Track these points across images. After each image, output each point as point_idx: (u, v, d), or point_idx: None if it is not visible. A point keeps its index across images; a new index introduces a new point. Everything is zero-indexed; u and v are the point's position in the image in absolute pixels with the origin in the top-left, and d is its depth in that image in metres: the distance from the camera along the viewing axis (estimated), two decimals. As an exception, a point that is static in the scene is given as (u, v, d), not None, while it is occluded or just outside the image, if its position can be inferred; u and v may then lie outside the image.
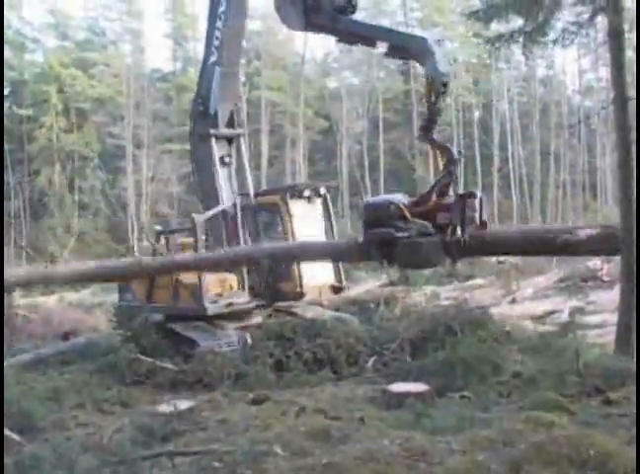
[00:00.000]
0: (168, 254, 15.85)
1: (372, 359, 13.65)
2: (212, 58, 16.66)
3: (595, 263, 24.37)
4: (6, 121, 56.76)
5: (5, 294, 15.29)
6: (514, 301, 21.46)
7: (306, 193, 16.74)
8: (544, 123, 60.36)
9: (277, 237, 16.71)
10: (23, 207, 59.88)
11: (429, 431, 8.26)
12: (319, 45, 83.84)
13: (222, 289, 15.88)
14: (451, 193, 11.41)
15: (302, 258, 14.71)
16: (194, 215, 15.92)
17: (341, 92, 63.35)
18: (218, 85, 16.62)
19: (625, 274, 11.27)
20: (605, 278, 22.91)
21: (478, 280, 25.88)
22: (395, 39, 12.74)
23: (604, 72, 56.36)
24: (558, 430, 7.61)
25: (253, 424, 9.27)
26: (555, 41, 11.87)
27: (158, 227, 19.70)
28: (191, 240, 15.95)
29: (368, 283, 25.35)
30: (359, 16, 13.83)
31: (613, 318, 12.65)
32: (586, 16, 11.63)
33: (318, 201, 17.06)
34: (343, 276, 16.94)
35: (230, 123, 17.15)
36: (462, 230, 10.96)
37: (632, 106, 11.19)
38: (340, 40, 14.24)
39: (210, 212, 16.18)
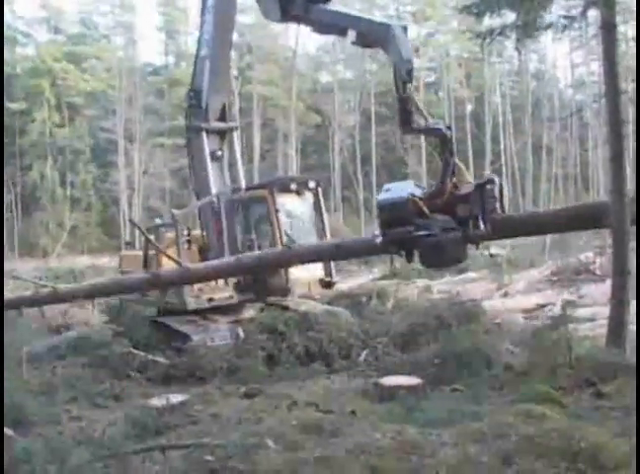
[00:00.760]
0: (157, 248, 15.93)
1: (364, 353, 13.67)
2: (203, 52, 16.63)
3: (587, 256, 24.41)
4: (-3, 116, 56.75)
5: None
6: (506, 295, 21.51)
7: (293, 186, 16.60)
8: (536, 117, 60.47)
9: (265, 230, 16.63)
10: (14, 202, 59.77)
11: (420, 424, 8.27)
12: (311, 39, 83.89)
13: (205, 284, 15.83)
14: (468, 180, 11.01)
15: (337, 257, 14.69)
16: (173, 210, 16.04)
17: (333, 86, 63.33)
18: (209, 78, 16.59)
19: (617, 267, 11.28)
20: (598, 272, 22.95)
21: (470, 274, 25.90)
22: (361, 27, 12.43)
23: (596, 66, 56.55)
24: (549, 422, 7.64)
25: (245, 417, 9.28)
26: (546, 34, 11.87)
27: (158, 220, 19.67)
28: (196, 233, 16.24)
29: (361, 277, 25.39)
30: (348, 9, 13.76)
31: (605, 311, 12.65)
32: (578, 9, 11.62)
33: (308, 195, 16.94)
34: (333, 271, 16.89)
35: (222, 117, 17.11)
36: (484, 221, 10.56)
37: (624, 99, 11.20)
38: (314, 30, 14.02)
39: (190, 207, 16.16)
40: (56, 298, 16.42)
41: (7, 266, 39.59)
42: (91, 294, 16.13)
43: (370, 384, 10.91)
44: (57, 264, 46.63)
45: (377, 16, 65.54)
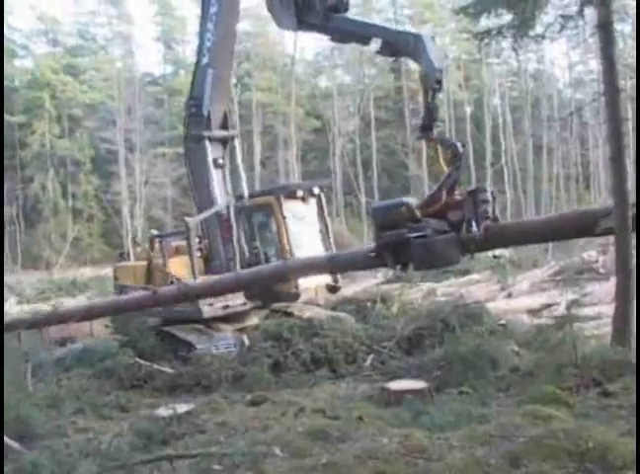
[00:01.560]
0: (162, 258, 15.95)
1: (370, 358, 13.63)
2: (205, 60, 16.61)
3: (590, 254, 24.39)
4: (-3, 129, 56.84)
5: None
6: (510, 296, 21.47)
7: (299, 193, 16.69)
8: (536, 117, 60.41)
9: (270, 238, 16.74)
10: (17, 214, 59.81)
11: (427, 427, 8.27)
12: (309, 45, 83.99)
13: None
14: (457, 190, 11.25)
15: (335, 270, 14.82)
16: (186, 218, 15.83)
17: (332, 91, 63.34)
18: (211, 87, 16.55)
19: (620, 265, 11.27)
20: (601, 271, 22.92)
21: (474, 276, 25.85)
22: (388, 36, 12.68)
23: (594, 64, 56.51)
24: (556, 423, 7.64)
25: (252, 425, 9.28)
26: (543, 37, 11.87)
27: (154, 231, 19.70)
28: (185, 243, 15.92)
29: (365, 282, 25.32)
30: (348, 13, 13.83)
31: (610, 310, 12.64)
32: (574, 8, 11.64)
33: (312, 201, 17.03)
34: (338, 276, 16.92)
35: (223, 125, 17.11)
36: (477, 225, 10.84)
37: (623, 97, 11.20)
38: (332, 39, 14.30)
39: (203, 215, 16.12)
40: (56, 319, 16.25)
41: (11, 278, 39.73)
42: (90, 315, 16.06)
43: (377, 389, 10.91)
44: (60, 275, 46.68)
45: (376, 19, 65.85)
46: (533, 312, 18.59)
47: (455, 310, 14.29)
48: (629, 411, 8.15)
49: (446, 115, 57.18)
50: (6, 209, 57.06)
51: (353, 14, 13.95)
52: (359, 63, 62.85)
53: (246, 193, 17.28)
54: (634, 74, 11.66)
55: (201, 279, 15.29)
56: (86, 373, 13.99)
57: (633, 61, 11.82)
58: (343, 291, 20.11)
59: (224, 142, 17.28)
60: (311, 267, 14.05)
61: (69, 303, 29.15)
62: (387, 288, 22.26)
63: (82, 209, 61.48)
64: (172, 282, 15.20)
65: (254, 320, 15.68)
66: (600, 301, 17.60)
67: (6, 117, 60.29)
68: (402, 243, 11.03)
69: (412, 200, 11.51)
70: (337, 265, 13.79)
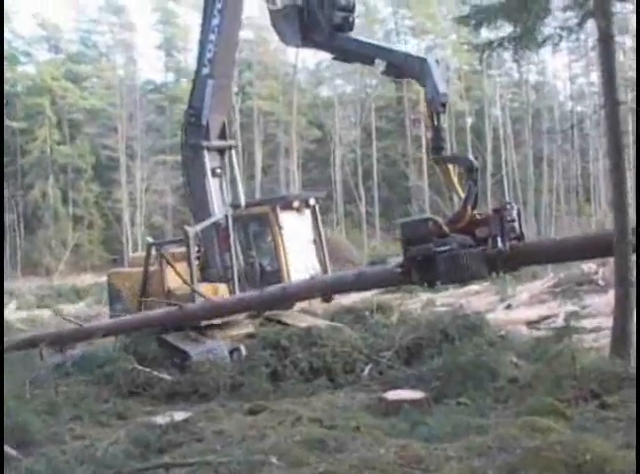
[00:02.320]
0: (159, 265, 16.09)
1: (369, 367, 13.62)
2: (205, 70, 16.67)
3: (590, 266, 24.35)
4: (-1, 134, 56.87)
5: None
6: (509, 307, 21.46)
7: (295, 204, 16.78)
8: (537, 129, 60.46)
9: (266, 248, 16.86)
10: (17, 221, 59.83)
11: (425, 438, 8.25)
12: (311, 54, 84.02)
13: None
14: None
15: (362, 288, 15.14)
16: (186, 227, 15.95)
17: (333, 100, 63.44)
18: (211, 97, 16.63)
19: (619, 277, 11.27)
20: (601, 283, 22.89)
21: (474, 286, 25.82)
22: (394, 59, 13.02)
23: (596, 76, 56.63)
24: (554, 435, 7.61)
25: (249, 434, 9.24)
26: (544, 43, 11.89)
27: (149, 239, 19.82)
28: (182, 250, 16.04)
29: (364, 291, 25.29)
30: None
31: (609, 322, 12.65)
32: (575, 21, 11.66)
33: (307, 212, 17.08)
34: None
35: (222, 135, 17.19)
36: (503, 241, 10.99)
37: (623, 110, 11.22)
38: (336, 58, 14.72)
39: (203, 224, 16.20)
40: (81, 335, 16.41)
41: (11, 284, 39.75)
42: (116, 330, 16.08)
43: (375, 399, 10.88)
44: (60, 282, 46.70)
45: (378, 30, 66.04)
46: (533, 323, 18.58)
47: (455, 321, 14.29)
48: (627, 423, 8.13)
49: (447, 125, 57.15)
50: (6, 216, 57.12)
51: (355, 25, 14.11)
52: (360, 73, 62.91)
53: (243, 202, 17.34)
54: (634, 86, 11.66)
55: (224, 296, 15.63)
56: (84, 380, 13.98)
57: (634, 74, 11.80)
58: (342, 301, 20.18)
59: (222, 152, 17.38)
60: (339, 284, 14.26)
61: (69, 309, 29.26)
62: (387, 298, 22.30)
63: (82, 216, 61.48)
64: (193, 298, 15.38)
65: (248, 328, 15.73)
66: (598, 313, 17.59)
67: (7, 122, 60.38)
68: (429, 257, 11.18)
69: (436, 217, 11.85)
70: (364, 281, 13.87)
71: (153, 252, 16.58)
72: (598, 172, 59.11)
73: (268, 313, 16.00)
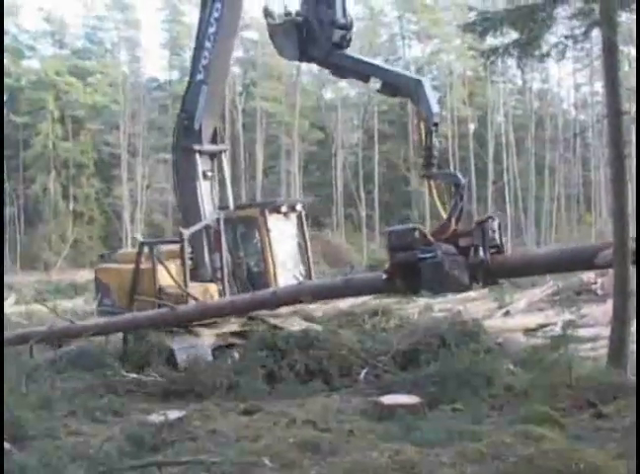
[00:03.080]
0: (152, 265, 16.29)
1: (365, 371, 13.61)
2: (199, 76, 17.01)
3: (589, 276, 24.34)
4: (3, 128, 56.85)
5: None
6: (507, 314, 21.41)
7: (284, 208, 17.20)
8: (539, 137, 60.48)
9: (253, 249, 17.32)
10: (17, 214, 59.83)
11: (419, 443, 8.24)
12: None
13: (204, 299, 16.12)
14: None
15: (350, 294, 15.67)
16: (181, 229, 16.32)
17: (336, 103, 63.45)
18: (204, 102, 16.95)
19: (618, 287, 11.27)
20: (599, 292, 22.88)
21: (472, 293, 25.78)
22: (390, 79, 13.76)
23: (600, 86, 56.63)
24: (548, 443, 7.61)
25: (243, 434, 9.24)
26: (548, 54, 11.89)
27: (139, 237, 20.23)
28: (171, 249, 16.55)
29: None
30: (355, 27, 14.38)
31: (606, 332, 12.64)
32: (581, 30, 11.65)
33: (293, 217, 17.53)
34: None
35: (213, 139, 17.54)
36: (484, 251, 11.64)
37: (626, 120, 11.21)
38: (332, 73, 15.35)
39: (198, 225, 16.56)
40: (72, 333, 16.58)
41: (10, 278, 39.71)
42: (107, 330, 16.28)
43: (370, 403, 10.87)
44: (59, 277, 46.64)
45: (383, 34, 66.08)
46: (530, 331, 18.55)
47: (452, 327, 14.30)
48: (622, 434, 8.13)
49: (450, 131, 57.23)
50: (7, 209, 57.12)
51: (360, 28, 14.59)
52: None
53: (232, 204, 17.85)
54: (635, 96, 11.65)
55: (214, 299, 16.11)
56: (80, 376, 13.99)
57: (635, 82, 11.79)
58: (339, 304, 20.31)
59: (213, 156, 17.78)
60: (328, 289, 15.11)
61: (66, 305, 29.22)
62: (385, 303, 22.25)
63: (82, 212, 61.46)
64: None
65: (233, 326, 15.90)
66: (596, 323, 17.56)
67: (11, 117, 60.45)
68: (413, 264, 11.75)
69: (421, 227, 12.60)
70: (352, 288, 14.53)
71: (145, 250, 16.81)
72: (599, 181, 59.14)
73: (252, 313, 16.23)
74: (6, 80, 60.82)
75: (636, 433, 7.34)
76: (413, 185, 60.26)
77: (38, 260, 56.62)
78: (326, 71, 16.80)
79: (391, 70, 14.91)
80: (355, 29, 14.63)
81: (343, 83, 67.98)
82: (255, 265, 17.28)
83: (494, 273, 12.16)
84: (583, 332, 16.10)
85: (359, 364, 13.82)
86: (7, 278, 37.10)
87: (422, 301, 23.62)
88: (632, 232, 10.89)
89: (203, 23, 16.95)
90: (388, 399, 10.57)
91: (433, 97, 12.87)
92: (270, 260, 16.70)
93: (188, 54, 70.35)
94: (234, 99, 60.81)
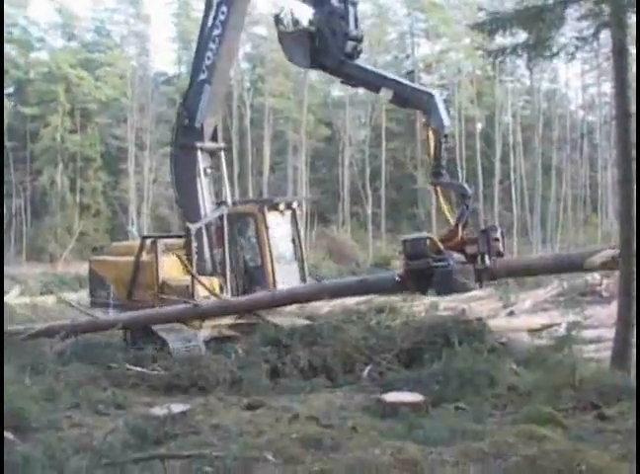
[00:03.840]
0: (155, 259, 16.62)
1: (368, 368, 13.63)
2: (203, 76, 17.22)
3: (594, 277, 24.27)
4: (10, 120, 56.85)
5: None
6: (512, 314, 21.36)
7: (282, 206, 17.71)
8: (547, 137, 60.35)
9: (250, 245, 17.84)
10: (24, 206, 59.91)
11: (421, 441, 8.23)
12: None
13: (208, 292, 16.43)
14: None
15: (360, 293, 16.30)
16: (188, 224, 16.68)
17: (344, 100, 63.37)
18: (207, 102, 17.10)
19: (623, 289, 11.26)
20: (604, 294, 22.81)
21: (477, 292, 25.73)
22: (404, 92, 14.47)
23: (608, 87, 56.52)
24: (550, 444, 7.60)
25: (246, 429, 9.25)
26: (558, 55, 11.87)
27: (132, 229, 20.69)
28: (173, 242, 17.29)
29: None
30: (363, 24, 14.63)
31: (610, 333, 12.61)
32: (590, 31, 11.62)
33: (288, 214, 17.97)
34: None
35: (213, 138, 17.80)
36: (490, 258, 13.12)
37: (634, 121, 11.19)
38: (343, 82, 16.06)
39: (204, 221, 16.97)
40: (97, 328, 16.61)
41: (15, 270, 39.82)
42: (132, 324, 16.38)
43: (373, 400, 10.88)
44: (64, 269, 46.71)
45: (392, 33, 65.97)
46: (534, 331, 18.52)
47: (457, 326, 14.32)
48: (625, 435, 8.12)
49: (457, 130, 57.13)
50: (13, 201, 57.22)
51: (368, 25, 14.98)
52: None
53: (229, 200, 18.22)
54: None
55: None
56: (84, 368, 14.05)
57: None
58: (345, 301, 20.32)
59: (212, 153, 18.21)
60: (345, 288, 16.15)
61: (71, 297, 29.28)
62: (390, 300, 22.23)
63: (89, 205, 61.50)
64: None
65: (227, 319, 16.14)
66: (601, 324, 17.50)
67: (19, 108, 60.54)
68: (426, 271, 13.14)
69: (431, 234, 14.20)
70: (367, 287, 15.85)
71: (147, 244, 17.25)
72: (606, 182, 59.02)
73: None
74: (15, 72, 60.97)
75: (636, 435, 7.35)
76: (420, 183, 60.20)
77: (43, 252, 56.70)
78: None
79: (403, 83, 15.35)
80: (363, 26, 14.92)
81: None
82: (251, 259, 17.72)
83: (495, 275, 14.01)
84: (587, 333, 16.07)
85: (362, 361, 13.84)
86: (12, 270, 37.31)
87: (427, 300, 23.62)
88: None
89: (206, 23, 17.15)
90: (391, 396, 10.57)
91: (444, 109, 13.61)
92: (268, 255, 17.12)
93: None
94: (242, 94, 60.82)
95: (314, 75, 66.59)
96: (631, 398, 9.23)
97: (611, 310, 15.05)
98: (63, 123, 61.15)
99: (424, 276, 13.29)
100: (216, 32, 16.81)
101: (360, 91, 69.02)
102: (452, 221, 13.76)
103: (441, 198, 14.07)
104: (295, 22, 15.24)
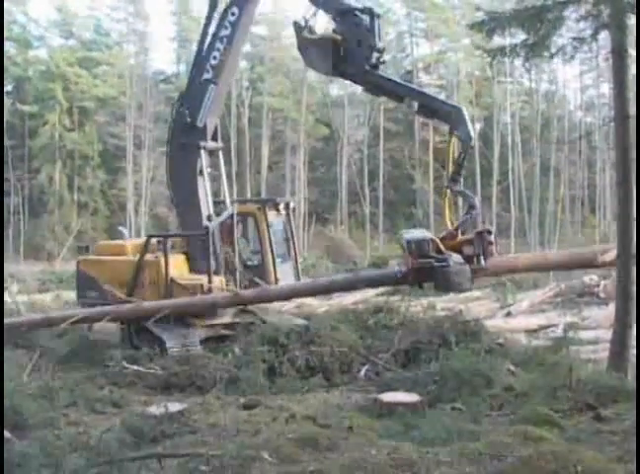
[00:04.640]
0: (164, 258, 16.50)
1: (365, 368, 13.65)
2: (207, 75, 17.11)
3: (592, 278, 24.30)
4: (8, 117, 56.79)
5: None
6: (509, 314, 21.40)
7: (281, 206, 18.12)
8: (545, 138, 60.32)
9: (251, 244, 18.19)
10: (22, 204, 59.86)
11: (418, 441, 8.25)
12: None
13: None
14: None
15: (358, 286, 16.93)
16: (205, 223, 16.64)
17: (343, 99, 63.33)
18: (210, 101, 17.08)
19: (621, 291, 11.26)
20: (602, 295, 22.84)
21: (475, 293, 25.74)
22: (433, 104, 14.90)
23: (606, 88, 56.54)
24: (547, 444, 7.60)
25: (243, 428, 9.26)
26: (556, 55, 11.88)
27: (123, 229, 20.91)
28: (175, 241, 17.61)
29: (364, 292, 25.25)
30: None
31: (607, 335, 12.65)
32: (589, 31, 11.62)
33: (283, 213, 18.28)
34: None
35: (214, 137, 17.79)
36: (485, 259, 13.81)
37: (633, 123, 11.19)
38: (365, 90, 16.41)
39: (220, 218, 17.03)
40: (140, 314, 16.01)
41: (13, 267, 39.78)
42: (177, 309, 16.00)
43: (370, 400, 10.89)
44: (62, 267, 46.66)
45: (391, 32, 65.91)
46: (531, 332, 18.55)
47: (454, 326, 14.40)
48: (622, 437, 8.13)
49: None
50: (11, 199, 57.18)
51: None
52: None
53: (228, 199, 18.15)
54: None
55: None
56: (81, 367, 14.05)
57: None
58: (343, 301, 20.49)
59: (212, 153, 18.12)
60: (352, 282, 16.48)
61: (70, 295, 29.25)
62: (387, 300, 22.24)
63: (87, 203, 61.43)
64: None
65: (225, 318, 16.19)
66: (598, 325, 17.57)
67: (17, 105, 60.45)
68: (427, 269, 13.68)
69: (430, 234, 14.79)
70: (371, 281, 16.73)
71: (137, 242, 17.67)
72: (604, 183, 59.03)
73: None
74: (13, 69, 60.90)
75: (636, 436, 7.35)
76: (418, 183, 60.22)
77: (41, 250, 56.64)
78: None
79: (428, 94, 16.08)
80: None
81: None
82: (249, 259, 17.85)
83: (488, 273, 14.84)
84: (584, 334, 16.12)
85: (359, 361, 13.88)
86: (10, 268, 37.23)
87: (424, 300, 23.63)
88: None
89: (210, 22, 17.15)
90: (388, 396, 10.59)
91: (470, 123, 14.15)
92: (269, 254, 17.44)
93: (195, 48, 70.43)
94: (241, 94, 60.80)
95: (313, 74, 66.66)
96: (628, 399, 9.25)
97: (609, 311, 15.13)
98: (61, 121, 61.07)
99: (424, 273, 13.86)
100: (225, 32, 16.78)
101: (359, 90, 69.15)
102: (450, 225, 14.37)
103: (447, 203, 14.72)
104: (311, 30, 15.41)
